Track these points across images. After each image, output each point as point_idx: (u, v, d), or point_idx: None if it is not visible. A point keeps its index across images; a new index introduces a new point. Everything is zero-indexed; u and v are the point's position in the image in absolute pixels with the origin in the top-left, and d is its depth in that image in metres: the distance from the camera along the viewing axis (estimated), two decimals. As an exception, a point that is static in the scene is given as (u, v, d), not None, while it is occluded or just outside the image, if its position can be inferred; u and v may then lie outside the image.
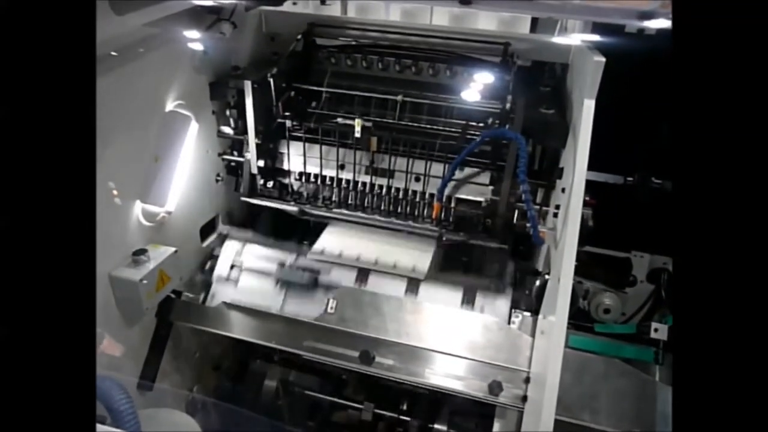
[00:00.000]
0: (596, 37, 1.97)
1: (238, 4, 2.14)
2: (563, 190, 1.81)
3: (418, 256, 2.19)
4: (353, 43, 2.40)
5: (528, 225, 1.85)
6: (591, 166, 1.68)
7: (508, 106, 1.98)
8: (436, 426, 2.33)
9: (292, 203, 2.35)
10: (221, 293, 2.26)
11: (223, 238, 2.40)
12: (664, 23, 1.62)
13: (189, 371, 2.40)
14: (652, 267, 2.23)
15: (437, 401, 2.38)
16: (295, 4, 2.67)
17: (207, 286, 2.30)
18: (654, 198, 2.01)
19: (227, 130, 2.39)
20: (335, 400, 2.47)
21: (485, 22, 2.49)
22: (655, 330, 1.90)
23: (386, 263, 2.17)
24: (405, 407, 2.39)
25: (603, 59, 1.66)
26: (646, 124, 2.17)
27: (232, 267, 2.30)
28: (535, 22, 2.60)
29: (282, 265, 2.21)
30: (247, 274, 2.28)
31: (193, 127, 2.14)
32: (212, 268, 2.32)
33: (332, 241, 2.32)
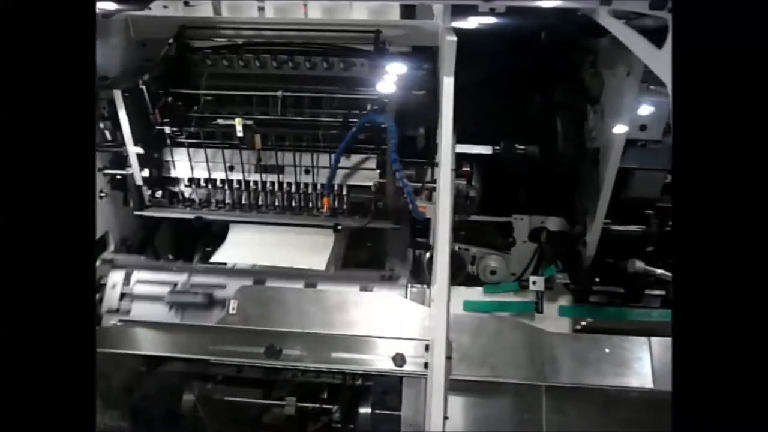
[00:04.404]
0: (458, 23, 2.10)
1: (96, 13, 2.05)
2: (437, 164, 1.92)
3: (316, 254, 2.23)
4: (228, 43, 2.38)
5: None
6: (465, 140, 1.80)
7: (381, 91, 2.06)
8: (361, 410, 2.39)
9: (188, 210, 2.31)
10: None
11: (110, 265, 2.21)
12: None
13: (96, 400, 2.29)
14: (533, 227, 2.42)
15: (359, 386, 2.43)
16: (165, 7, 2.60)
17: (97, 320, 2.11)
18: (521, 164, 2.18)
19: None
20: (257, 401, 2.46)
21: (358, 12, 2.56)
22: (533, 283, 2.07)
23: (283, 265, 2.18)
24: (326, 396, 2.42)
25: (455, 38, 1.78)
26: (510, 97, 2.35)
27: (122, 297, 2.13)
28: (410, 10, 2.70)
29: (174, 286, 2.09)
30: (139, 302, 2.12)
31: (63, 143, 2.03)
32: (101, 299, 2.12)
33: (229, 254, 2.30)
